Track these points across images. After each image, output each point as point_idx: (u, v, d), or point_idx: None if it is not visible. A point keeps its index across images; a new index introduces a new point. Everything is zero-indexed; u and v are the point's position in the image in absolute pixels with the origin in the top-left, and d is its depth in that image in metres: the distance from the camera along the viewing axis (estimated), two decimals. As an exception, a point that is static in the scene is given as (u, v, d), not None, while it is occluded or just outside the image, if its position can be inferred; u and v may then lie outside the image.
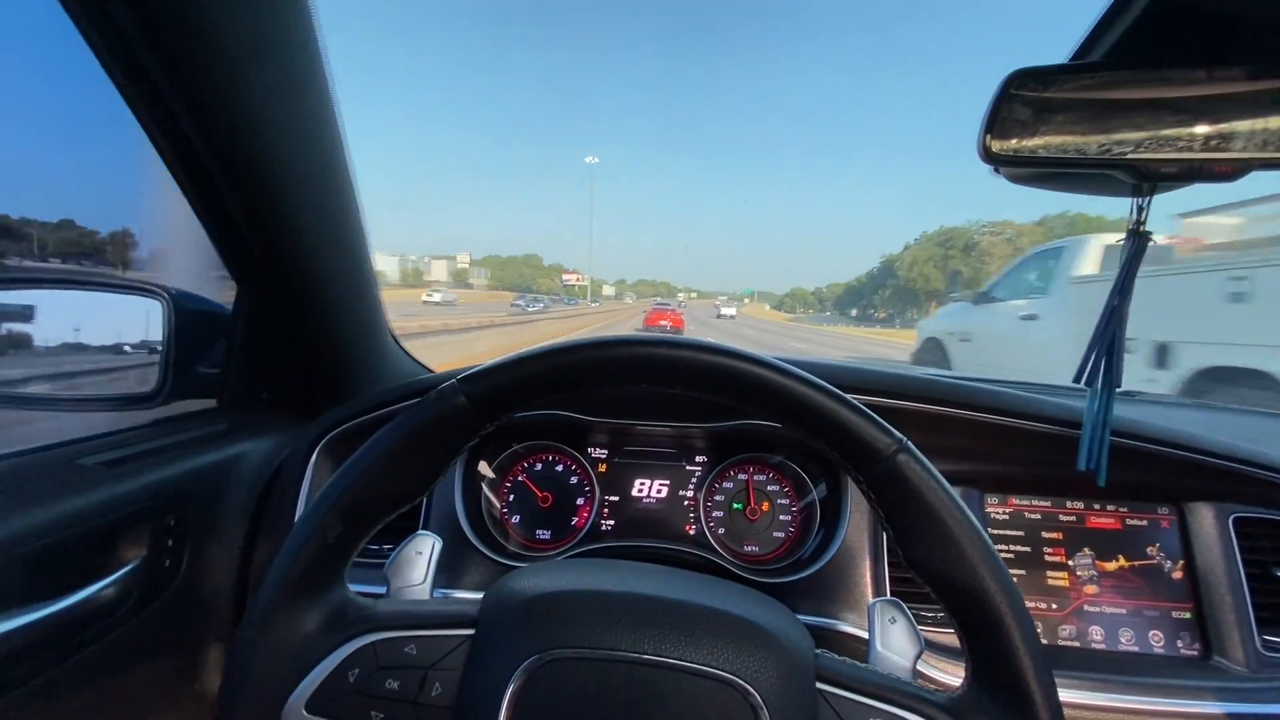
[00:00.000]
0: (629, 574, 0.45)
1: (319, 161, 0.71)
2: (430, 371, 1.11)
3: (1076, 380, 0.69)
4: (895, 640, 0.43)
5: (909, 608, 0.75)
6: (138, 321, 0.86)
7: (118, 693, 0.62)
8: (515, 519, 0.88)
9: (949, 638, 0.74)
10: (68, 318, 0.85)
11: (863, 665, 0.41)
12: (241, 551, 0.77)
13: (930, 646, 0.70)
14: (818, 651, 0.41)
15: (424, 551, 0.49)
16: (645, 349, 0.40)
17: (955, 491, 0.78)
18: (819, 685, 0.39)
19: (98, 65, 0.57)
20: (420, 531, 0.50)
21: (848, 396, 0.39)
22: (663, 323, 24.92)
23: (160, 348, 0.81)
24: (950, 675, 0.68)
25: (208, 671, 0.73)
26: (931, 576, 0.38)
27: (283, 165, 0.66)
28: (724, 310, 67.18)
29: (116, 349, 0.88)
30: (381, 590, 0.48)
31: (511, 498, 0.89)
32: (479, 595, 0.44)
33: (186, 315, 0.83)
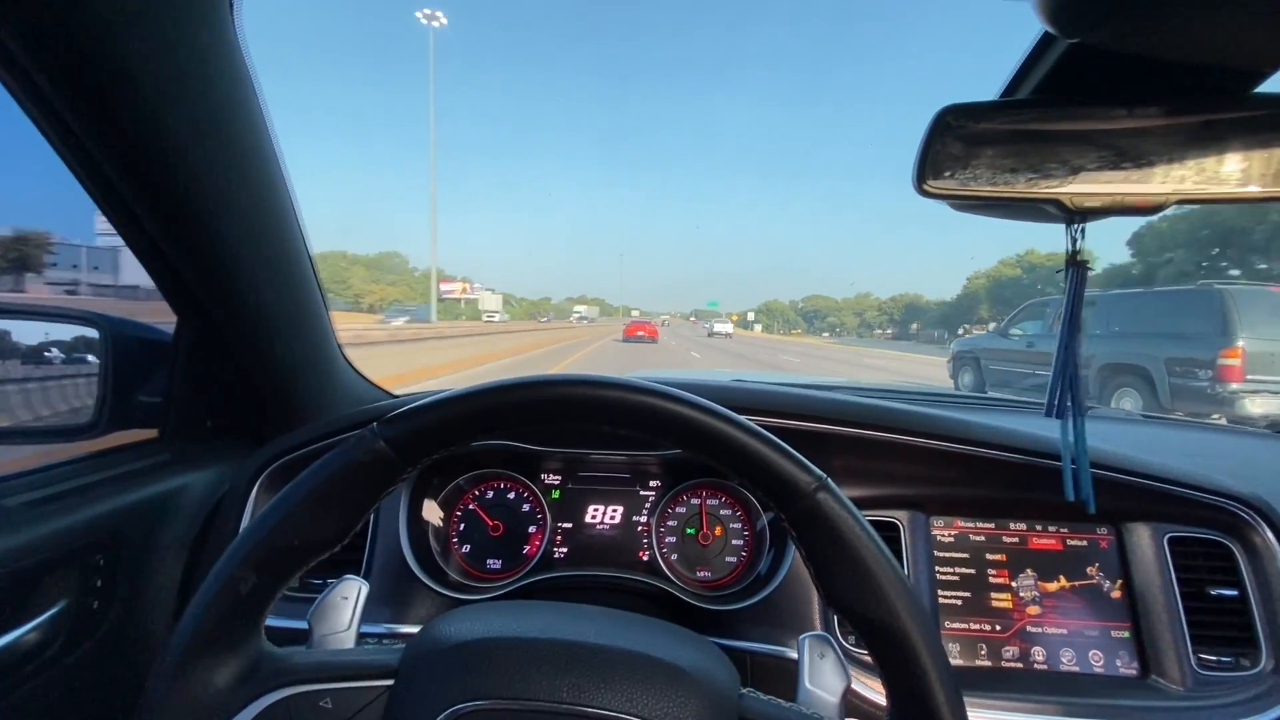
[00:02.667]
0: (553, 617, 0.45)
1: (254, 186, 0.70)
2: (389, 395, 1.09)
3: (1047, 414, 0.70)
4: (823, 676, 0.43)
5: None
6: (73, 351, 0.84)
7: None
8: (464, 549, 0.87)
9: None
10: (-1, 347, 0.82)
11: (787, 704, 0.41)
12: (178, 591, 0.75)
13: (867, 666, 0.70)
14: (743, 691, 0.41)
15: (349, 596, 0.47)
16: (568, 389, 0.40)
17: (901, 516, 0.79)
18: None
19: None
20: (346, 576, 0.49)
21: (768, 434, 0.39)
22: (639, 333, 26.16)
23: (98, 378, 0.79)
24: (882, 694, 0.69)
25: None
26: (850, 614, 0.39)
27: (214, 193, 0.65)
28: (718, 328, 52.12)
29: (51, 379, 0.86)
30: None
31: (462, 527, 0.88)
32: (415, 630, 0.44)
33: (125, 343, 0.81)
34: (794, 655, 0.73)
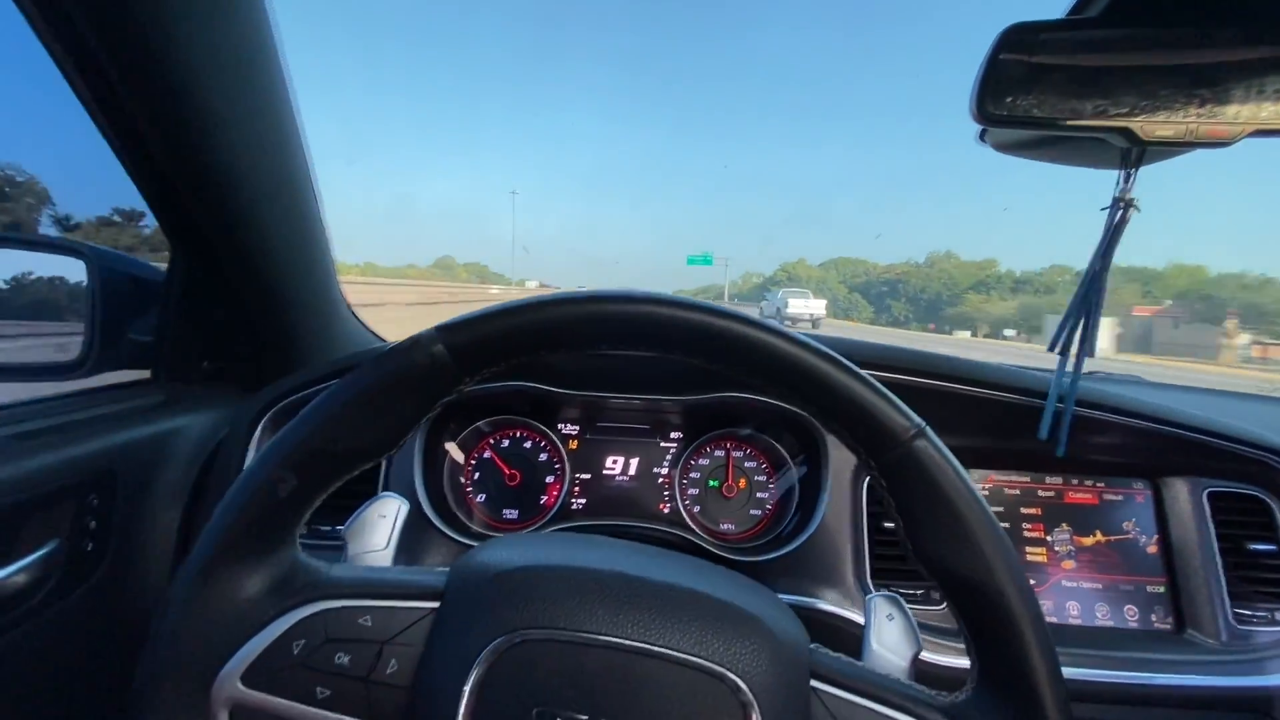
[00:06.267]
0: (612, 550, 0.41)
1: (263, 114, 0.65)
2: (387, 343, 1.05)
3: (1051, 348, 0.67)
4: (891, 638, 0.40)
5: (896, 589, 0.73)
6: (60, 283, 0.78)
7: (30, 688, 0.56)
8: (480, 498, 0.84)
9: (939, 617, 0.72)
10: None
11: (859, 664, 0.38)
12: (176, 535, 0.70)
13: (922, 628, 0.68)
14: (812, 646, 0.38)
15: (388, 514, 0.45)
16: (648, 307, 0.36)
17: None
18: (813, 683, 0.36)
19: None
20: (385, 493, 0.45)
21: (864, 373, 0.35)
22: None
23: (85, 312, 0.74)
24: (943, 656, 0.66)
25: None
26: (941, 572, 0.35)
27: (222, 117, 0.60)
28: (794, 306, 32.06)
29: (36, 313, 0.80)
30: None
31: (477, 475, 0.85)
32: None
33: (114, 277, 0.75)
34: (826, 607, 0.71)
